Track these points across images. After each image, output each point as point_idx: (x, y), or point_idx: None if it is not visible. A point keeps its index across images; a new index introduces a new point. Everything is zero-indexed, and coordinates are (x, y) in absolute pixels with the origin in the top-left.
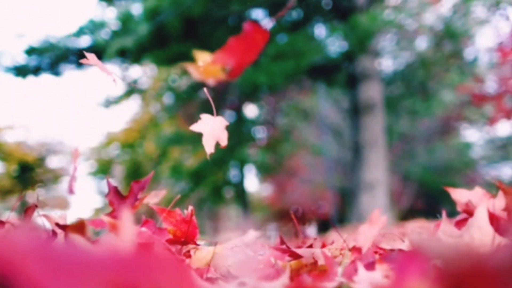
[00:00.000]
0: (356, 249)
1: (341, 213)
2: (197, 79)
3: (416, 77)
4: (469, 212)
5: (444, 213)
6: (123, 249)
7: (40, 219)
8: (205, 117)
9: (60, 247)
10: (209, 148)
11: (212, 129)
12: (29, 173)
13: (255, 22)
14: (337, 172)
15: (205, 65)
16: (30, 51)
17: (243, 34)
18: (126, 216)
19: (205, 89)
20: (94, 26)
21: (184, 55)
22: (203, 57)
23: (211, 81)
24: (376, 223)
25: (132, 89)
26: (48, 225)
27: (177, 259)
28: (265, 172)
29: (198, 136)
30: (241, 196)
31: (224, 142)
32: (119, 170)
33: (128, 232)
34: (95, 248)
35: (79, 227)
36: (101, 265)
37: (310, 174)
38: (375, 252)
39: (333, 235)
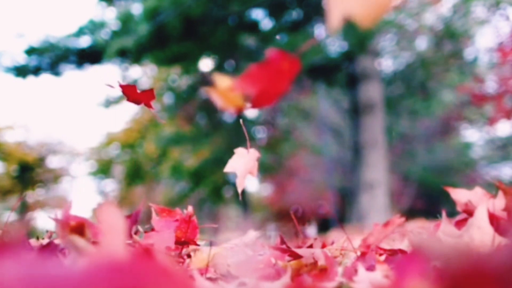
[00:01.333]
0: (366, 246)
1: (341, 213)
2: (219, 105)
3: (416, 77)
4: (469, 212)
5: (444, 213)
6: (114, 263)
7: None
8: (238, 152)
9: (45, 273)
10: (240, 187)
11: (245, 165)
12: (29, 173)
13: (282, 50)
14: (337, 172)
15: (225, 91)
16: (30, 51)
17: (267, 61)
18: (113, 215)
19: (241, 122)
20: (94, 26)
21: (184, 55)
22: (223, 81)
23: (231, 109)
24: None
25: None
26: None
27: (180, 271)
28: (265, 172)
29: (198, 136)
30: (241, 196)
31: (255, 174)
32: (119, 170)
33: (117, 236)
34: (84, 264)
35: (79, 227)
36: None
37: (310, 174)
38: (375, 252)
39: (333, 235)
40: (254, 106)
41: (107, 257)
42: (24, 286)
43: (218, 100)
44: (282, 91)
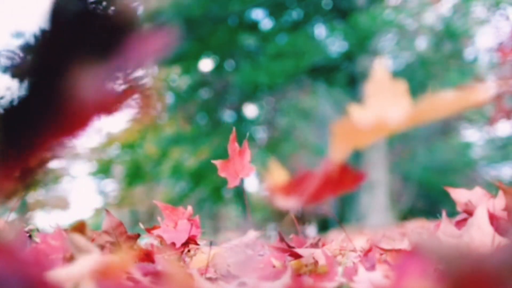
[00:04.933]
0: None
1: (341, 213)
2: (269, 193)
3: (416, 77)
4: (469, 212)
5: (444, 213)
6: None
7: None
8: None
9: None
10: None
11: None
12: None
13: (347, 165)
14: None
15: (276, 186)
16: None
17: (323, 171)
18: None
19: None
20: None
21: (184, 55)
22: (279, 175)
23: (280, 202)
24: None
25: None
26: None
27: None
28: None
29: (198, 136)
30: (241, 196)
31: None
32: (119, 170)
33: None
34: None
35: (79, 228)
36: None
37: None
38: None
39: (333, 235)
40: (301, 205)
41: None
42: None
43: (269, 190)
44: (336, 195)
